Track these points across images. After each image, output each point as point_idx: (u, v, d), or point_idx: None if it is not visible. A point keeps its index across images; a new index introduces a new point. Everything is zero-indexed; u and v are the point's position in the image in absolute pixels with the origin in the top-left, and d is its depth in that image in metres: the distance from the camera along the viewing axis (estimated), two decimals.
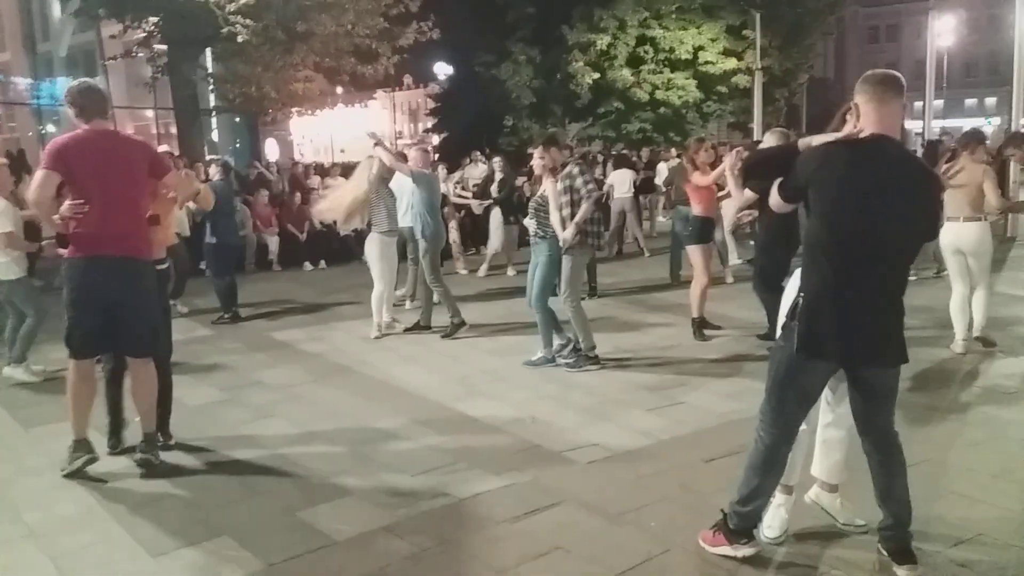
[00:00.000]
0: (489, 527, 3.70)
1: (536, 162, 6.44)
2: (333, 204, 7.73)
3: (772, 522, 3.42)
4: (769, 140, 6.32)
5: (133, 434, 4.64)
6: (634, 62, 26.45)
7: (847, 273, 3.01)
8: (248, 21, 13.18)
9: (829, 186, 3.03)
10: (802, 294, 3.10)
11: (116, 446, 4.69)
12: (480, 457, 4.52)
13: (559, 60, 26.26)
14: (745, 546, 3.30)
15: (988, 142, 7.04)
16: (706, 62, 26.19)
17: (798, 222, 3.56)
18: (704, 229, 7.40)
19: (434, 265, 7.46)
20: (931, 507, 3.73)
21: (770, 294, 5.58)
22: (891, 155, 3.02)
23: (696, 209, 7.38)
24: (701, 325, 7.19)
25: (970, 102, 58.07)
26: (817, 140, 3.16)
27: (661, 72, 26.47)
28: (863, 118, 3.04)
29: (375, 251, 7.45)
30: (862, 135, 3.04)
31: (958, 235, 6.31)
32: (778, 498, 3.44)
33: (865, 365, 3.10)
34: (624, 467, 4.35)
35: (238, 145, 30.45)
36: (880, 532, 3.24)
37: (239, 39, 13.38)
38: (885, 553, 3.21)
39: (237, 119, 26.21)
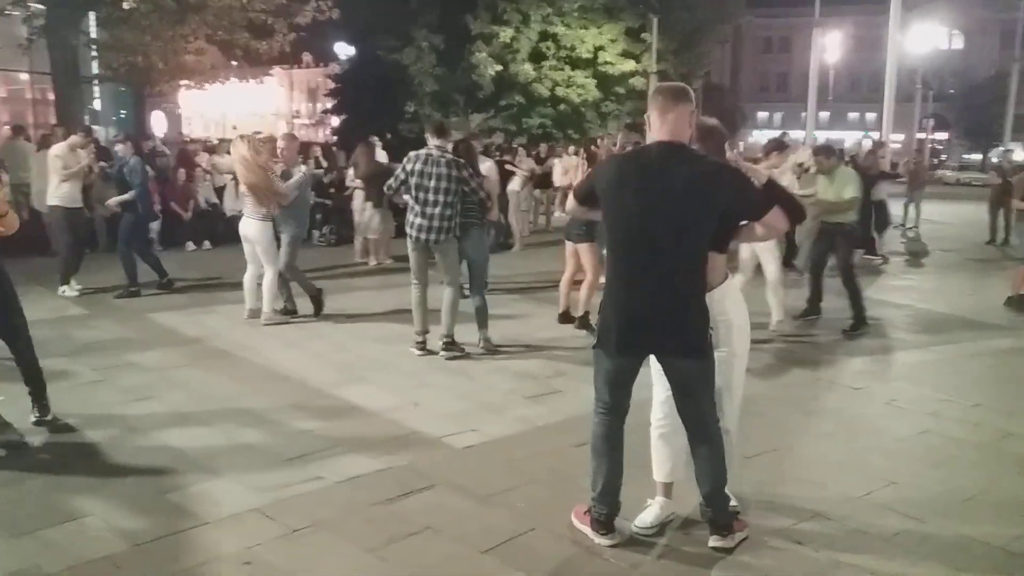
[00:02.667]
0: (362, 509, 3.76)
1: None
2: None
3: (645, 517, 3.58)
4: (619, 138, 6.93)
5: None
6: (536, 57, 26.74)
7: (628, 270, 3.28)
8: None
9: (610, 190, 3.31)
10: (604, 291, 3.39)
11: None
12: (357, 442, 4.56)
13: (463, 50, 26.25)
14: (604, 537, 3.47)
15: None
16: (605, 62, 26.76)
17: None
18: (594, 227, 7.55)
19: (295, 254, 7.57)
20: (777, 490, 4.05)
21: None
22: (666, 156, 3.23)
23: None
24: (585, 321, 7.30)
25: (853, 115, 61.52)
26: None
27: (562, 69, 26.88)
28: (652, 127, 3.31)
29: (267, 236, 7.27)
30: (649, 142, 3.32)
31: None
32: (655, 499, 3.62)
33: (657, 355, 3.35)
34: (498, 452, 4.50)
35: (123, 116, 28.99)
36: (700, 507, 3.53)
37: (125, 5, 12.74)
38: (705, 523, 3.50)
39: (122, 89, 24.95)
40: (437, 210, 6.17)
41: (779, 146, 8.06)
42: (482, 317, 6.64)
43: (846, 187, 7.53)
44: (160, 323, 7.36)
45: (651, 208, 3.19)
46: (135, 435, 4.62)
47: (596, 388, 3.50)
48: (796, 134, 48.38)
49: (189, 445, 4.47)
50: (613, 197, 3.30)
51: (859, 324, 7.51)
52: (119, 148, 8.86)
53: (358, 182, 11.27)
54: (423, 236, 6.23)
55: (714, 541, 3.44)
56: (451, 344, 6.37)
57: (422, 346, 6.42)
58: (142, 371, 5.88)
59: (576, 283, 7.58)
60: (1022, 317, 8.43)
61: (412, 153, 6.39)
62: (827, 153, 7.84)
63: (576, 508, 3.62)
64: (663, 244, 3.20)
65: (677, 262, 3.23)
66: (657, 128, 3.28)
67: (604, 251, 8.64)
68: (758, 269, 7.37)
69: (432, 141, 6.32)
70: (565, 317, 7.55)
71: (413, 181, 6.20)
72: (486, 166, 8.58)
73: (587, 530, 3.51)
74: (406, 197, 6.33)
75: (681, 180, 3.19)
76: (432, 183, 6.15)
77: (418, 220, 6.22)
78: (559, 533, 3.56)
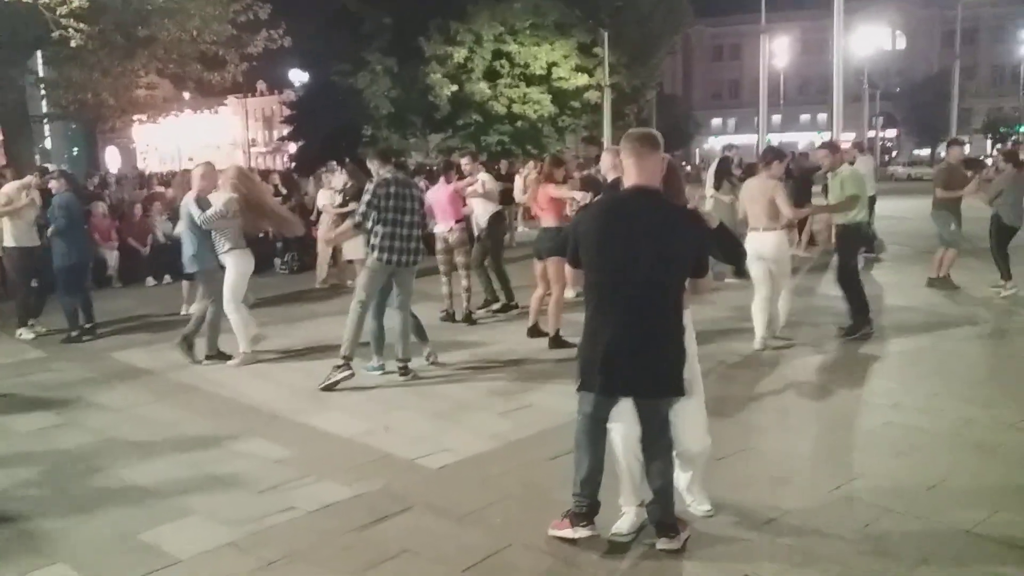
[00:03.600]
0: (337, 537, 3.74)
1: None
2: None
3: (621, 525, 3.62)
4: (605, 158, 6.81)
5: None
6: (491, 76, 26.99)
7: (604, 312, 3.39)
8: (82, 25, 12.43)
9: (588, 237, 3.42)
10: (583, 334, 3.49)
11: None
12: (329, 469, 4.54)
13: (417, 71, 26.39)
14: (583, 528, 3.54)
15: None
16: (559, 78, 27.10)
17: None
18: (562, 239, 7.50)
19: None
20: (747, 491, 4.11)
21: None
22: (643, 203, 3.40)
23: (548, 220, 7.63)
24: (558, 340, 7.20)
25: (804, 117, 62.73)
26: None
27: (517, 86, 27.16)
28: (626, 171, 3.45)
29: (244, 267, 7.06)
30: (624, 187, 3.46)
31: (760, 243, 6.87)
32: (628, 508, 3.65)
33: (636, 396, 3.45)
34: (473, 470, 4.50)
35: (75, 153, 28.62)
36: (647, 508, 3.58)
37: (72, 43, 12.59)
38: (652, 525, 3.56)
39: (73, 126, 24.64)
40: (415, 232, 6.31)
41: (779, 155, 7.40)
42: (422, 333, 6.79)
43: (845, 185, 7.22)
44: (123, 361, 7.25)
45: (634, 254, 3.32)
46: (102, 476, 4.54)
47: (580, 402, 3.60)
48: (749, 138, 49.22)
49: (159, 483, 4.41)
50: (596, 244, 3.41)
51: (860, 324, 7.30)
52: (52, 185, 8.55)
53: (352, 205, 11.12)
54: (403, 259, 6.23)
55: (663, 543, 3.50)
56: (406, 368, 6.36)
57: (346, 367, 6.11)
58: (106, 411, 5.79)
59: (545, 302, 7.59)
60: (949, 300, 8.66)
61: (379, 180, 6.34)
62: (833, 149, 7.56)
63: (553, 522, 3.64)
64: (646, 288, 3.34)
65: (660, 304, 3.37)
66: (634, 174, 3.42)
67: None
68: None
69: (383, 168, 6.35)
70: (534, 331, 7.58)
71: (389, 204, 6.17)
72: (484, 176, 8.67)
73: (567, 531, 3.55)
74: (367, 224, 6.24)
75: (660, 226, 3.36)
76: (408, 205, 6.25)
77: (397, 243, 6.20)
78: (537, 547, 3.57)
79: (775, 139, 38.54)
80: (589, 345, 3.45)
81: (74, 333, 8.08)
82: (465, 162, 9.23)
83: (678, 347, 3.44)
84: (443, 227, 8.45)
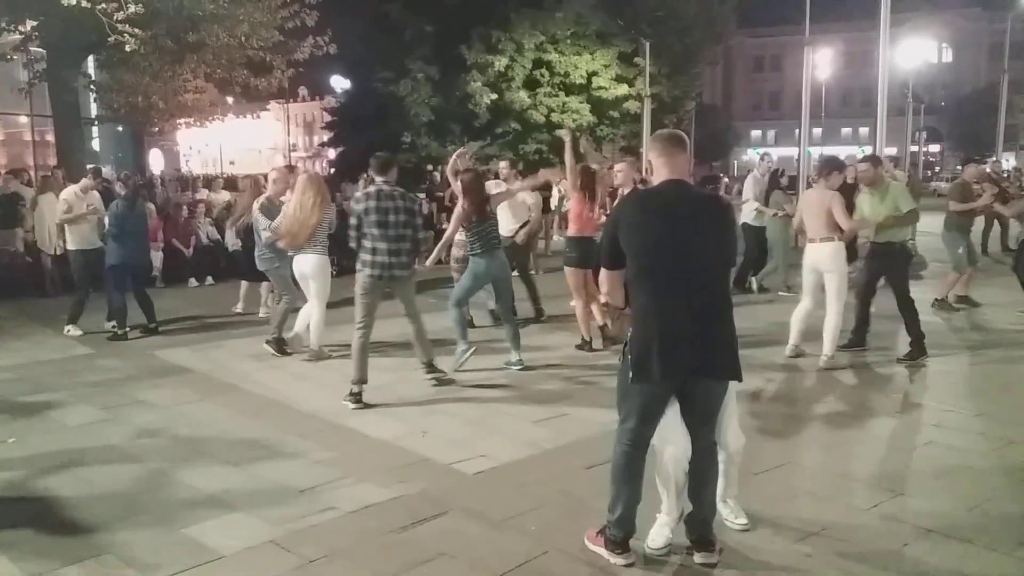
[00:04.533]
0: (376, 537, 3.81)
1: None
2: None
3: (655, 536, 3.63)
4: (620, 168, 7.41)
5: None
6: (531, 85, 27.07)
7: (658, 297, 3.37)
8: (136, 30, 12.76)
9: (632, 229, 3.41)
10: (631, 327, 3.47)
11: None
12: (368, 471, 4.61)
13: (457, 79, 26.56)
14: (620, 556, 3.52)
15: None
16: (599, 87, 27.09)
17: None
18: (582, 250, 7.43)
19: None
20: (784, 506, 4.10)
21: None
22: (684, 194, 3.47)
23: (571, 230, 7.61)
24: (612, 339, 7.37)
25: (846, 131, 62.03)
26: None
27: (557, 95, 27.20)
28: (656, 170, 3.51)
29: (319, 269, 7.27)
30: (655, 184, 3.52)
31: (817, 254, 6.86)
32: (662, 518, 3.66)
33: (692, 380, 3.41)
34: (509, 476, 4.54)
35: (120, 155, 29.24)
36: (687, 523, 3.58)
37: (127, 48, 12.92)
38: (689, 540, 3.57)
39: (120, 128, 25.21)
40: (402, 244, 6.12)
41: (838, 165, 7.20)
42: (514, 339, 6.86)
43: (900, 199, 6.93)
44: (167, 360, 7.42)
45: (683, 238, 3.35)
46: (148, 471, 4.67)
47: (623, 418, 3.53)
48: (789, 151, 48.71)
49: (202, 480, 4.52)
50: (642, 232, 3.40)
51: (917, 352, 7.03)
52: (117, 187, 8.94)
53: None
54: (390, 272, 6.10)
55: (702, 558, 3.51)
56: (432, 367, 6.46)
57: (358, 398, 5.89)
58: (152, 408, 5.93)
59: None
60: (991, 320, 8.50)
61: (359, 194, 6.51)
62: (875, 163, 7.25)
63: (588, 532, 3.66)
64: (697, 270, 3.37)
65: (709, 287, 3.40)
66: (667, 172, 3.48)
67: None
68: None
69: (378, 178, 6.25)
70: (605, 339, 7.61)
71: (371, 219, 6.04)
72: (519, 184, 8.55)
73: (602, 551, 3.56)
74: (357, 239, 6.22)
75: (700, 209, 3.45)
76: (391, 218, 6.06)
77: (382, 258, 6.06)
78: (573, 555, 3.60)
79: (816, 152, 38.06)
80: (644, 333, 3.37)
81: (120, 331, 8.28)
82: (503, 166, 9.30)
83: (733, 330, 3.46)
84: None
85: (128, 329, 8.33)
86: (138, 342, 8.19)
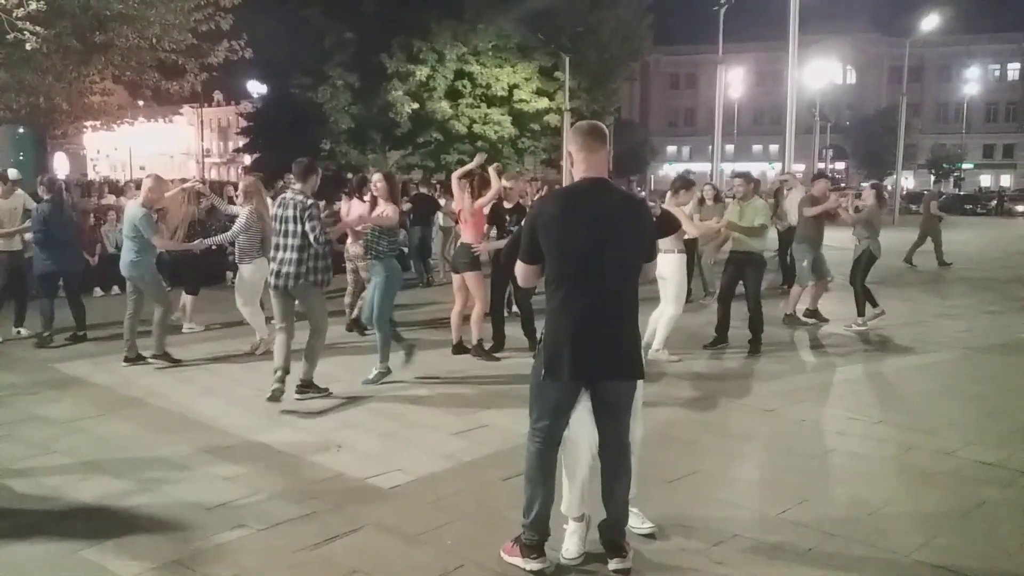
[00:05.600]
0: (287, 555, 3.70)
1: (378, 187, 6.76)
2: None
3: (568, 546, 3.65)
4: (511, 187, 7.89)
5: None
6: (453, 95, 27.12)
7: (572, 298, 3.42)
8: (39, 28, 12.19)
9: (548, 225, 3.45)
10: (545, 325, 3.51)
11: None
12: (281, 488, 4.49)
13: (378, 88, 26.38)
14: (534, 560, 3.53)
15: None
16: (520, 100, 27.36)
17: None
18: (477, 257, 7.65)
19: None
20: (697, 512, 4.18)
21: None
22: (602, 194, 3.50)
23: (467, 237, 7.66)
24: (480, 349, 7.63)
25: (757, 147, 64.17)
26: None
27: (479, 107, 27.33)
28: (576, 164, 3.54)
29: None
30: (576, 179, 3.53)
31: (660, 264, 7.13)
32: (571, 526, 3.68)
33: (600, 380, 3.48)
34: (425, 490, 4.49)
35: (21, 158, 27.87)
36: (599, 527, 3.63)
37: (27, 46, 12.33)
38: (602, 546, 3.60)
39: (21, 130, 24.03)
40: (288, 255, 6.03)
41: (686, 184, 8.38)
42: (386, 348, 6.72)
43: (757, 216, 7.96)
44: (66, 372, 7.08)
45: (598, 238, 3.39)
46: (45, 491, 4.43)
47: (534, 418, 3.57)
48: (703, 166, 50.14)
49: (103, 498, 4.31)
50: (560, 230, 3.42)
51: (756, 348, 7.92)
52: (39, 190, 8.56)
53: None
54: (280, 282, 6.09)
55: (616, 563, 3.53)
56: (307, 386, 6.27)
57: (300, 388, 6.18)
58: (49, 424, 5.64)
59: (466, 317, 7.75)
60: (889, 328, 8.94)
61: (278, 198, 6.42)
62: (747, 179, 8.26)
63: (504, 544, 3.65)
64: (610, 272, 3.41)
65: (620, 286, 3.45)
66: (586, 166, 3.51)
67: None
68: None
69: (295, 184, 6.17)
70: (459, 348, 7.72)
71: (277, 228, 6.10)
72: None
73: (518, 560, 3.55)
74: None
75: (617, 211, 3.46)
76: (286, 227, 6.03)
77: (274, 265, 6.12)
78: (489, 568, 3.58)
79: (728, 168, 39.28)
80: (556, 333, 3.44)
81: (45, 335, 8.20)
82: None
83: (637, 331, 3.56)
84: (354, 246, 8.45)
85: (50, 334, 8.15)
86: (37, 353, 7.79)
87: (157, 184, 7.52)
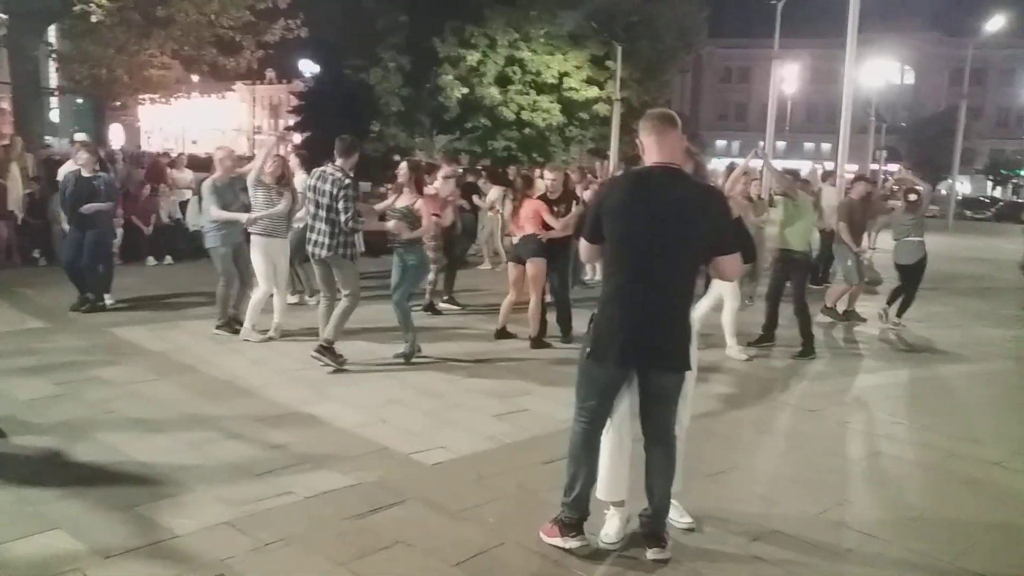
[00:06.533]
0: (332, 523, 3.81)
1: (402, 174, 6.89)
2: None
3: (608, 530, 3.70)
4: (551, 177, 8.01)
5: None
6: (502, 81, 27.08)
7: (625, 284, 3.44)
8: (104, 1, 12.49)
9: (612, 210, 3.47)
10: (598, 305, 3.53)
11: None
12: (326, 458, 4.60)
13: (429, 71, 26.46)
14: (573, 539, 3.59)
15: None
16: (570, 88, 27.20)
17: None
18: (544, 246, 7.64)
19: None
20: (736, 507, 4.19)
21: None
22: (670, 182, 3.44)
23: (529, 230, 7.65)
24: (539, 341, 7.63)
25: (809, 145, 63.02)
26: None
27: (528, 93, 27.24)
28: (646, 150, 3.51)
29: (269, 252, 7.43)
30: (645, 165, 3.51)
31: None
32: (611, 510, 3.73)
33: (645, 368, 3.49)
34: (467, 468, 4.57)
35: (76, 129, 28.58)
36: (640, 517, 3.66)
37: (92, 18, 12.64)
38: (642, 535, 3.63)
39: (80, 101, 24.64)
40: (321, 225, 6.37)
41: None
42: (407, 324, 6.83)
43: (799, 214, 7.83)
44: (124, 337, 7.30)
45: (657, 226, 3.37)
46: (102, 449, 4.60)
47: (581, 397, 3.60)
48: (753, 162, 49.44)
49: (158, 459, 4.47)
50: (621, 216, 3.44)
51: (808, 351, 7.68)
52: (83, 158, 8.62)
53: None
54: (315, 251, 6.48)
55: (655, 553, 3.56)
56: (326, 350, 6.46)
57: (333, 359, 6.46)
58: (107, 385, 5.84)
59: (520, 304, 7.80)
60: (944, 334, 8.78)
61: (314, 170, 6.66)
62: (796, 177, 8.19)
63: (543, 526, 3.70)
64: (666, 261, 3.39)
65: (676, 278, 3.44)
66: (655, 152, 3.47)
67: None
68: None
69: (338, 160, 6.49)
70: (502, 334, 7.78)
71: (309, 197, 6.49)
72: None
73: (557, 540, 3.61)
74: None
75: (682, 200, 3.41)
76: (319, 199, 6.37)
77: (311, 235, 6.49)
78: (529, 547, 3.65)
79: (778, 165, 38.65)
80: (606, 317, 3.46)
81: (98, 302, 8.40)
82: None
83: (688, 323, 3.54)
84: None
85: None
86: (95, 318, 8.03)
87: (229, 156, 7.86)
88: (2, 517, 3.69)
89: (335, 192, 6.28)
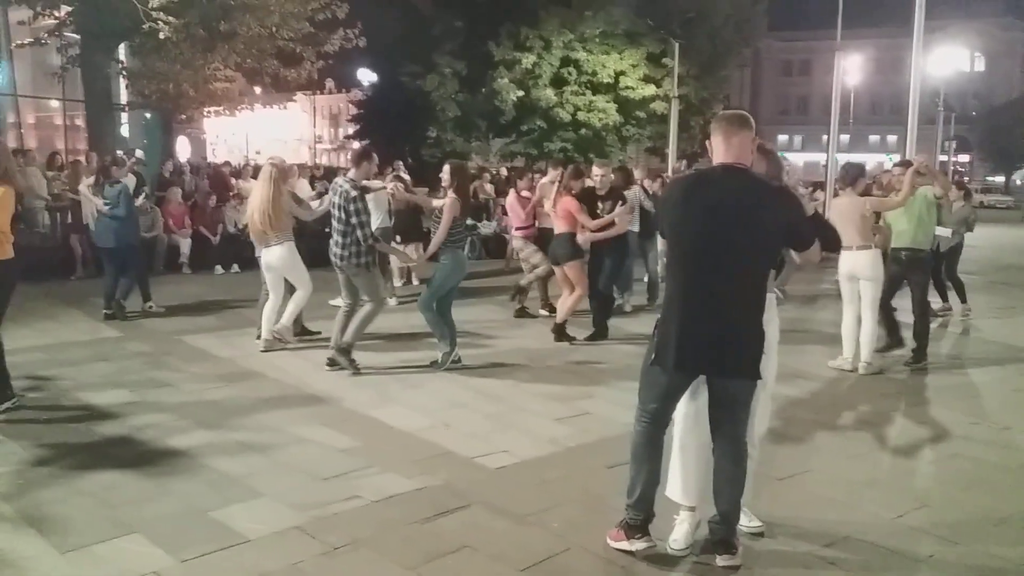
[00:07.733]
0: (399, 527, 3.83)
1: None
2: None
3: (676, 536, 3.63)
4: (599, 173, 7.80)
5: None
6: (558, 83, 27.03)
7: (691, 289, 3.36)
8: (171, 18, 12.91)
9: (674, 211, 3.42)
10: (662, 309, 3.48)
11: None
12: (392, 462, 4.64)
13: (484, 76, 26.58)
14: (639, 540, 3.55)
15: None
16: (626, 87, 27.00)
17: None
18: (579, 246, 7.68)
19: None
20: (808, 511, 4.08)
21: None
22: (734, 183, 3.35)
23: (561, 227, 7.71)
24: (560, 329, 7.71)
25: (874, 138, 61.37)
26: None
27: (583, 94, 27.14)
28: (714, 150, 3.44)
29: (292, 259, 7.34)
30: (712, 165, 3.44)
31: (854, 262, 6.82)
32: (681, 515, 3.67)
33: (709, 374, 3.40)
34: (531, 473, 4.56)
35: (145, 143, 29.53)
36: (709, 524, 3.57)
37: (160, 35, 13.07)
38: (712, 542, 3.55)
39: (148, 115, 25.44)
40: (336, 236, 6.52)
41: (862, 171, 7.23)
42: (437, 330, 6.74)
43: (923, 208, 7.05)
44: (193, 345, 7.50)
45: (719, 229, 3.28)
46: (176, 454, 4.73)
47: (643, 399, 3.56)
48: (816, 156, 48.23)
49: (228, 464, 4.57)
50: (681, 218, 3.40)
51: (920, 356, 7.21)
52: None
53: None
54: (332, 259, 6.64)
55: (724, 560, 3.48)
56: (343, 353, 6.54)
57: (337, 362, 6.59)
58: (178, 392, 6.00)
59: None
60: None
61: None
62: (905, 166, 7.35)
63: (609, 531, 3.67)
64: (729, 264, 3.30)
65: (742, 283, 3.33)
66: (722, 152, 3.40)
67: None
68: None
69: (351, 171, 6.73)
70: (560, 333, 7.75)
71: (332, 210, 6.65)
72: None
73: (624, 544, 3.57)
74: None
75: (747, 202, 3.31)
76: (335, 212, 6.52)
77: (330, 243, 6.63)
78: (595, 552, 3.61)
79: (842, 159, 37.70)
80: (667, 321, 3.39)
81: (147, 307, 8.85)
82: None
83: (758, 329, 3.37)
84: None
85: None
86: (164, 326, 8.27)
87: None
88: (83, 521, 3.82)
89: (343, 204, 6.45)
